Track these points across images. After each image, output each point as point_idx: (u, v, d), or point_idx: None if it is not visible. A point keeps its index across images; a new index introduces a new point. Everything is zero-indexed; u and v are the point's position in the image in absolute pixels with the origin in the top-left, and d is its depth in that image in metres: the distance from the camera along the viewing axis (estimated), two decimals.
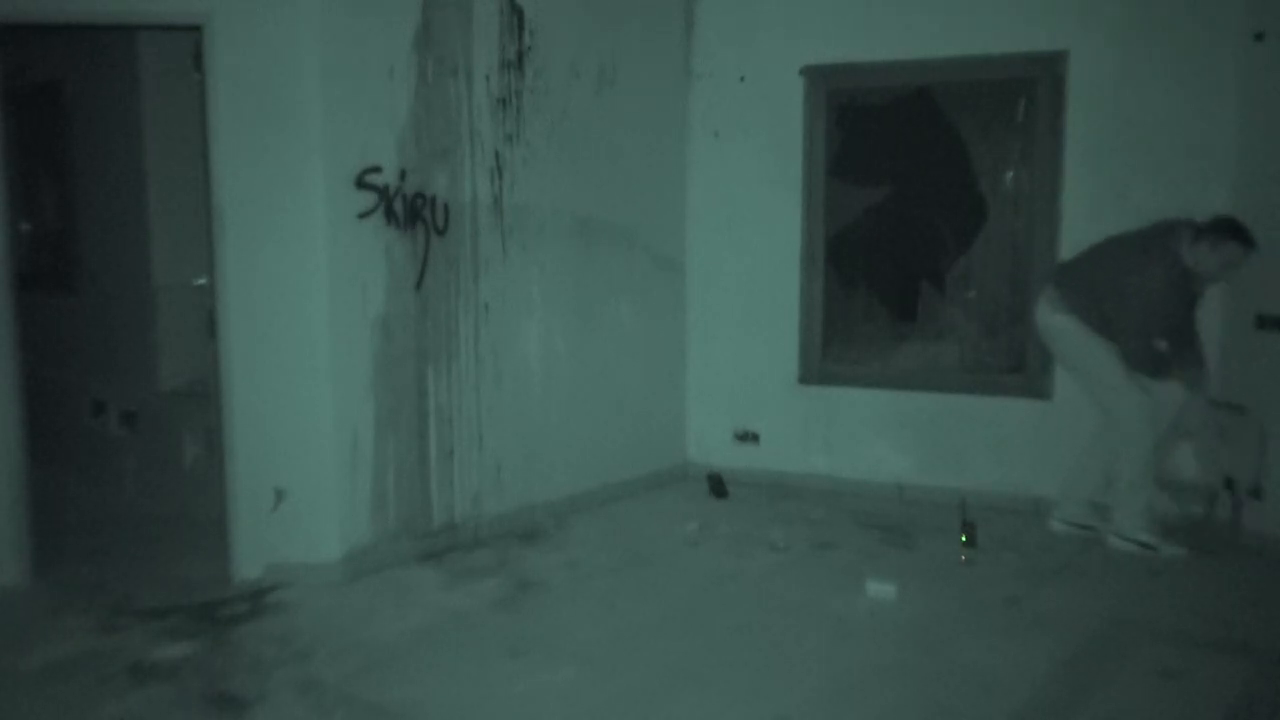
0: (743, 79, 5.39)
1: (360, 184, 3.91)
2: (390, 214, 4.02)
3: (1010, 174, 5.04)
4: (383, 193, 3.99)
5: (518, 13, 4.51)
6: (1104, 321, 4.25)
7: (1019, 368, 5.04)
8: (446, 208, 4.25)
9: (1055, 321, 4.38)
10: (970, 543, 4.36)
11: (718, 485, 5.29)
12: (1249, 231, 4.03)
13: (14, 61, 4.77)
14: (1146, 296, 4.08)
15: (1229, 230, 4.03)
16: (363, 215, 3.93)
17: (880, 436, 5.27)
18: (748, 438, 5.56)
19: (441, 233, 4.24)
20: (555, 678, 3.13)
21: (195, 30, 3.80)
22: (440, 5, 4.16)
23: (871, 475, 5.27)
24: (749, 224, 5.45)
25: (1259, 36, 4.33)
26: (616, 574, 4.10)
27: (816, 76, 5.24)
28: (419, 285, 4.17)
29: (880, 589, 3.81)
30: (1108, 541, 4.33)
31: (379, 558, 4.06)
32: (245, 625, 3.51)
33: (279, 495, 3.88)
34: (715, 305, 5.57)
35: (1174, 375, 4.24)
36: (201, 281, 4.53)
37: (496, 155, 4.45)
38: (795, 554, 4.35)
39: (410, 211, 4.10)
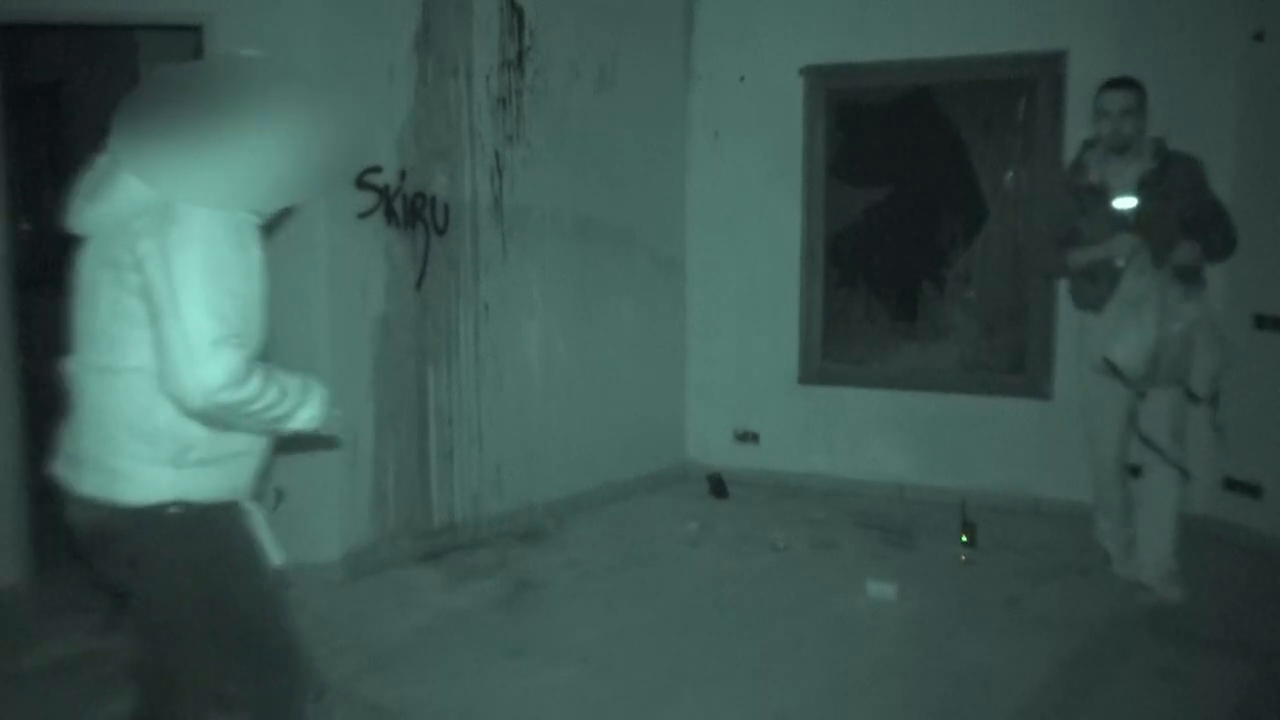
0: (742, 79, 5.39)
1: (360, 184, 3.91)
2: (390, 214, 4.02)
3: (1010, 174, 5.04)
4: (383, 193, 3.99)
5: (518, 13, 4.51)
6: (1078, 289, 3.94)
7: (1019, 368, 5.04)
8: (446, 208, 4.25)
9: None
10: (970, 543, 4.35)
11: (718, 485, 5.29)
12: (1115, 78, 3.69)
13: (14, 61, 4.77)
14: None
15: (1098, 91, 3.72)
16: (363, 215, 3.93)
17: (880, 436, 5.26)
18: (748, 437, 5.56)
19: (441, 233, 4.24)
20: (555, 678, 3.13)
21: (195, 30, 3.80)
22: (440, 5, 4.16)
23: (872, 475, 5.27)
24: (749, 224, 5.44)
25: (1259, 36, 4.33)
26: (616, 574, 4.10)
27: (816, 76, 5.24)
28: (419, 285, 4.17)
29: (880, 589, 3.81)
30: None
31: (379, 557, 4.06)
32: None
33: (279, 495, 3.88)
34: (715, 305, 5.57)
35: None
36: None
37: (496, 155, 4.45)
38: (795, 554, 4.35)
39: (410, 211, 4.10)
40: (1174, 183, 3.59)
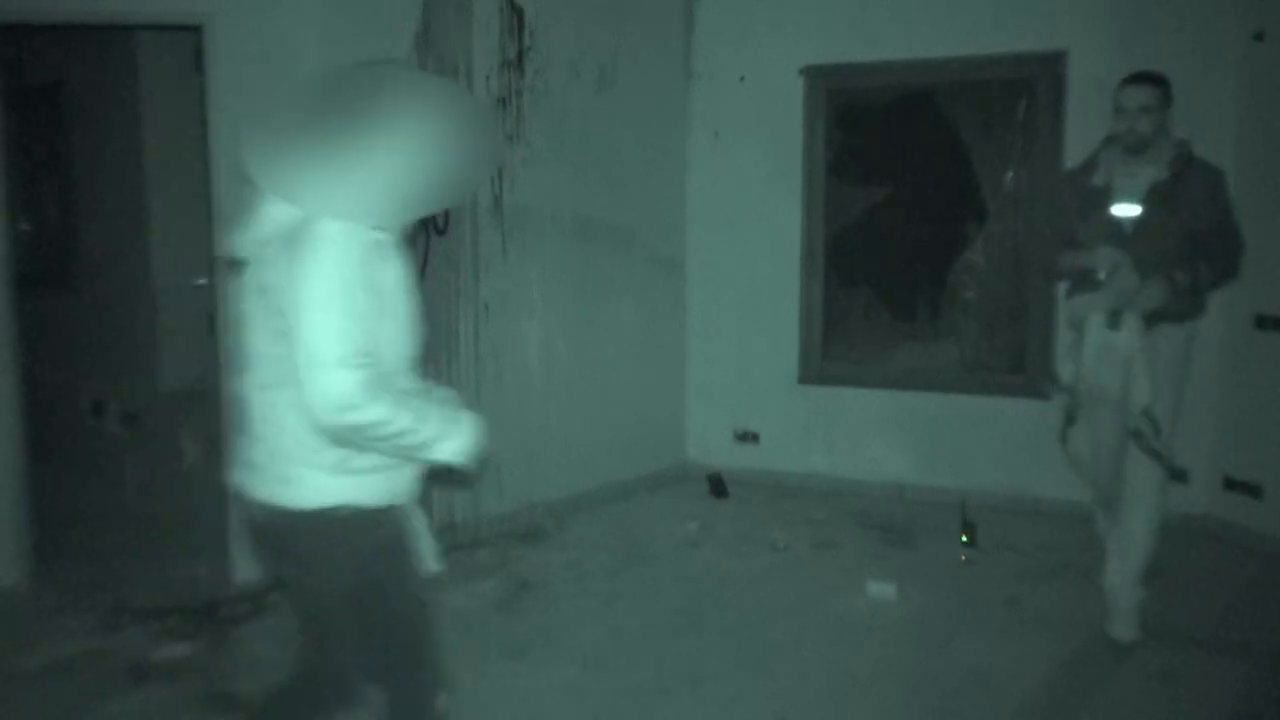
0: (742, 79, 5.39)
1: None
2: None
3: (1010, 174, 5.04)
4: None
5: (518, 13, 4.50)
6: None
7: (1019, 368, 5.03)
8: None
9: None
10: (970, 543, 4.35)
11: (718, 485, 5.29)
12: (1136, 73, 3.48)
13: (14, 61, 4.77)
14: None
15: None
16: None
17: (880, 436, 5.26)
18: (748, 438, 5.56)
19: (441, 233, 4.24)
20: (555, 678, 3.14)
21: (195, 30, 3.80)
22: (440, 5, 4.16)
23: (872, 475, 5.27)
24: (749, 224, 5.44)
25: (1259, 36, 4.33)
26: (616, 574, 4.10)
27: (816, 76, 5.24)
28: (419, 285, 4.16)
29: (880, 589, 3.81)
30: None
31: None
32: (245, 625, 3.51)
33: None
34: (715, 305, 5.57)
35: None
36: (202, 281, 4.53)
37: None
38: (795, 554, 4.35)
39: None
40: (1188, 194, 3.26)
